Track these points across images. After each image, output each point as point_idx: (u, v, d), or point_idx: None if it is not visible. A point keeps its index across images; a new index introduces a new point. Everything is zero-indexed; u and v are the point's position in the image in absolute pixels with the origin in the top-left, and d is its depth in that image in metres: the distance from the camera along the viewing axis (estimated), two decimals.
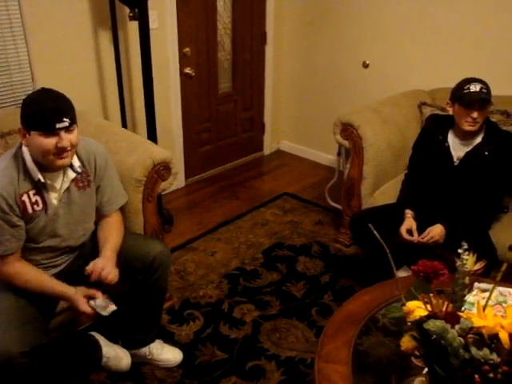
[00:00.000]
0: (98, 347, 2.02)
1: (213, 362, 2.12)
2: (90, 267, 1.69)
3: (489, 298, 1.16)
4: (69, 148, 1.59)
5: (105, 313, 1.61)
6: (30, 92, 2.57)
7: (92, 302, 1.64)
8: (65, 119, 1.55)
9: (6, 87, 2.55)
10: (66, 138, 1.57)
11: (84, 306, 1.63)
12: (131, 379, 2.02)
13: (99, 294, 1.67)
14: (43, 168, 1.64)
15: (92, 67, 2.93)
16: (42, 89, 1.62)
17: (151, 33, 2.73)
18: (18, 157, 1.63)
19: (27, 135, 1.57)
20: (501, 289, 1.54)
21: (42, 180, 1.64)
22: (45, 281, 1.68)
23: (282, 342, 2.24)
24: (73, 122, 1.59)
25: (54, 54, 2.71)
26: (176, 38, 3.31)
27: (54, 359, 1.78)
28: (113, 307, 1.64)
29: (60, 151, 1.58)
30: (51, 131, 1.54)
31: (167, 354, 2.10)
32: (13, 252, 1.64)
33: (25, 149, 1.63)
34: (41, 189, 1.66)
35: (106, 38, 2.92)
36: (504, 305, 1.43)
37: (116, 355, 2.03)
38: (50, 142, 1.55)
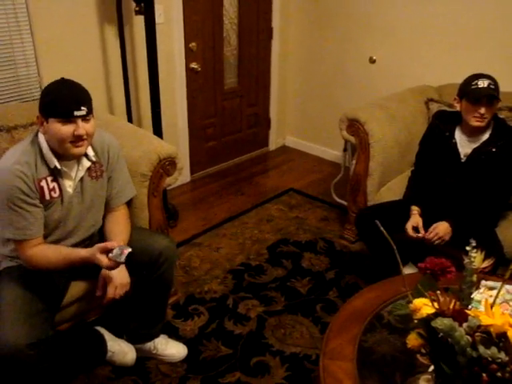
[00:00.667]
0: (103, 342, 2.02)
1: (217, 357, 2.12)
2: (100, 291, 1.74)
3: (497, 296, 1.15)
4: (85, 137, 1.62)
5: (122, 259, 1.61)
6: (35, 87, 2.62)
7: (110, 255, 1.62)
8: (82, 108, 1.59)
9: (12, 82, 2.55)
10: (83, 127, 1.60)
11: (106, 262, 1.61)
12: (136, 374, 2.02)
13: (113, 244, 1.64)
14: (59, 156, 1.67)
15: (98, 62, 2.93)
16: (62, 79, 1.65)
17: (157, 27, 2.73)
18: (34, 143, 1.67)
19: (45, 123, 1.61)
20: (508, 287, 1.53)
21: (59, 167, 1.67)
22: (69, 253, 1.68)
23: (286, 337, 2.23)
24: (90, 111, 1.63)
25: (60, 48, 2.71)
26: (182, 32, 3.30)
27: (60, 352, 1.79)
28: (128, 251, 1.62)
29: (76, 139, 1.61)
30: (69, 118, 1.57)
31: (172, 348, 2.10)
32: (37, 236, 1.67)
33: (41, 136, 1.66)
34: (57, 176, 1.69)
35: (111, 33, 2.91)
36: (511, 303, 1.42)
37: (121, 350, 2.03)
38: (67, 129, 1.58)
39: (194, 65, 3.48)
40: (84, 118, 1.60)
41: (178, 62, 3.37)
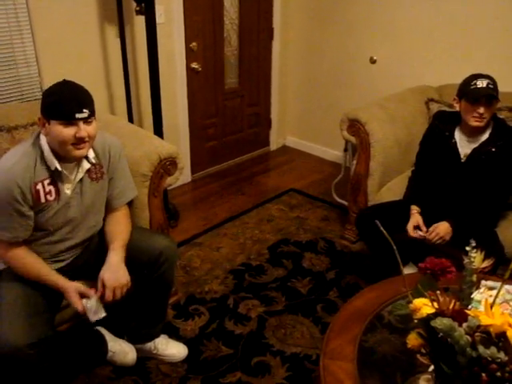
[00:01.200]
0: (103, 342, 2.02)
1: (218, 357, 2.12)
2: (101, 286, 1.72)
3: (496, 296, 1.15)
4: (87, 139, 1.62)
5: (93, 318, 1.61)
6: (36, 87, 2.62)
7: (84, 302, 1.64)
8: (84, 110, 1.58)
9: (12, 82, 2.55)
10: (85, 129, 1.60)
11: (75, 302, 1.64)
12: (136, 374, 2.02)
13: (92, 294, 1.67)
14: (60, 158, 1.67)
15: (99, 62, 2.93)
16: (64, 80, 1.65)
17: (158, 27, 2.73)
18: (35, 145, 1.66)
19: (47, 124, 1.60)
20: (508, 287, 1.52)
21: (59, 169, 1.66)
22: (41, 268, 1.69)
23: (287, 338, 2.23)
24: (92, 114, 1.62)
25: (61, 48, 2.72)
26: (183, 32, 3.31)
27: (60, 352, 1.79)
28: (102, 314, 1.64)
29: (78, 141, 1.60)
30: (71, 121, 1.57)
31: (172, 349, 2.10)
32: (18, 241, 1.66)
33: (43, 138, 1.66)
34: (55, 178, 1.69)
35: (112, 33, 2.92)
36: (511, 303, 1.42)
37: (121, 350, 2.03)
38: (69, 131, 1.58)
39: (194, 65, 3.48)
40: (86, 121, 1.60)
41: (179, 62, 3.37)
